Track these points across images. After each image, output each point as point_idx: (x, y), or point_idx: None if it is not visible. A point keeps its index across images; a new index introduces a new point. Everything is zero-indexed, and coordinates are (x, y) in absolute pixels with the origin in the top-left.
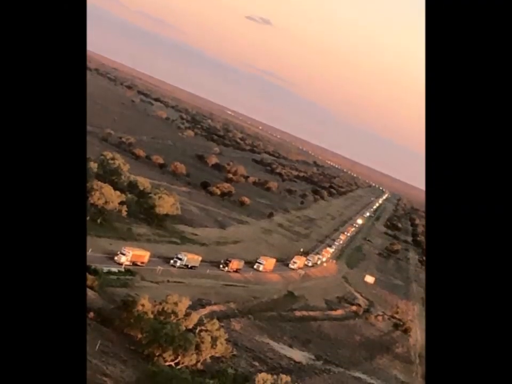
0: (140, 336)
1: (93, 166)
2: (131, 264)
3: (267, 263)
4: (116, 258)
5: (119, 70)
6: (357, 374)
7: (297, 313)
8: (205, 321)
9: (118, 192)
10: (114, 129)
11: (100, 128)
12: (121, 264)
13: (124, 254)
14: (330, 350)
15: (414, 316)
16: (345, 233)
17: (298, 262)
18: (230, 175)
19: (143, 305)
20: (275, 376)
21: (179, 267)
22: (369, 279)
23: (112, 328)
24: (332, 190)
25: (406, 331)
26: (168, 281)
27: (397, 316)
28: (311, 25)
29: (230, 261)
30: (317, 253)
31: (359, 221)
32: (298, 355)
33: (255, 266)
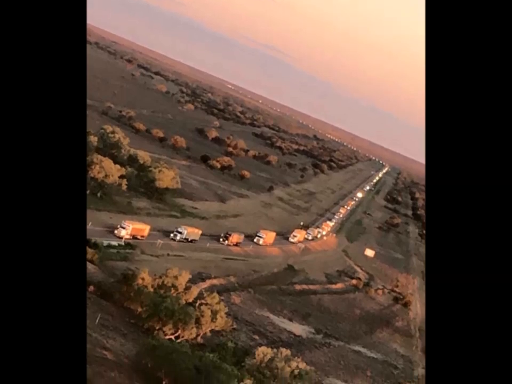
0: (139, 309)
1: (93, 139)
2: (131, 237)
3: (267, 237)
4: (115, 232)
5: (119, 44)
6: (357, 348)
7: (297, 287)
8: (205, 294)
9: (118, 166)
10: (114, 103)
11: (100, 102)
12: (121, 237)
13: (123, 228)
14: (330, 324)
15: (414, 289)
16: (345, 206)
17: (298, 235)
18: (230, 149)
19: (143, 278)
20: (275, 350)
21: (179, 241)
22: (369, 252)
23: (112, 301)
24: (332, 163)
25: (406, 305)
26: (168, 254)
27: (397, 290)
28: None
29: (230, 235)
30: (317, 227)
31: (359, 195)
32: (298, 329)
33: (255, 240)
